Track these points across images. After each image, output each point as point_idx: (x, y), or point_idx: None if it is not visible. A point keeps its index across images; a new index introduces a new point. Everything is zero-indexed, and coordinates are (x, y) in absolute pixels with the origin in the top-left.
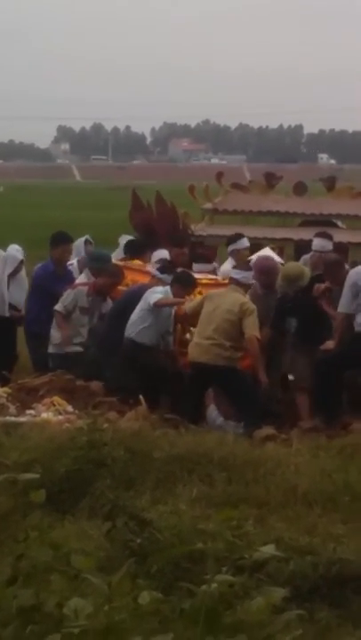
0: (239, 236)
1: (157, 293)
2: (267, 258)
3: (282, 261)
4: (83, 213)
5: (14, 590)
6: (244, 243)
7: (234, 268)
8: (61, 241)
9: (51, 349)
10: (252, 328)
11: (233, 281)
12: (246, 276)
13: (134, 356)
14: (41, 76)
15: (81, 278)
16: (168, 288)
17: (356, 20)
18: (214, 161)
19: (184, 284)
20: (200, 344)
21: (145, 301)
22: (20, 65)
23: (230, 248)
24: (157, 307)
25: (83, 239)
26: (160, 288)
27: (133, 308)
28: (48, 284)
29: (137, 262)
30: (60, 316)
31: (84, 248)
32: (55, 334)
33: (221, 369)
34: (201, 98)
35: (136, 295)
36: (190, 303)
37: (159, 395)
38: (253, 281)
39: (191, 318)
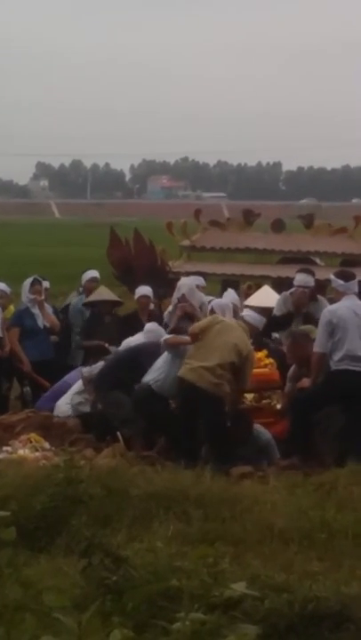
0: None
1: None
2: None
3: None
4: (61, 250)
5: None
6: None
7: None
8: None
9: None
10: (245, 381)
11: (244, 321)
12: (258, 321)
13: (147, 404)
14: (20, 112)
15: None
16: None
17: (334, 60)
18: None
19: None
20: (194, 369)
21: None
22: None
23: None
24: (167, 344)
25: (31, 279)
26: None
27: (137, 363)
28: None
29: None
30: (86, 380)
31: (30, 289)
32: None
33: (209, 394)
34: (180, 135)
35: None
36: (199, 323)
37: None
38: (261, 327)
39: (196, 336)
